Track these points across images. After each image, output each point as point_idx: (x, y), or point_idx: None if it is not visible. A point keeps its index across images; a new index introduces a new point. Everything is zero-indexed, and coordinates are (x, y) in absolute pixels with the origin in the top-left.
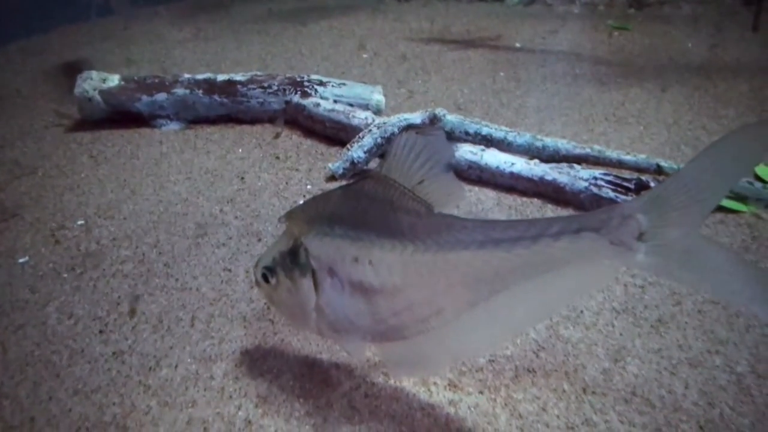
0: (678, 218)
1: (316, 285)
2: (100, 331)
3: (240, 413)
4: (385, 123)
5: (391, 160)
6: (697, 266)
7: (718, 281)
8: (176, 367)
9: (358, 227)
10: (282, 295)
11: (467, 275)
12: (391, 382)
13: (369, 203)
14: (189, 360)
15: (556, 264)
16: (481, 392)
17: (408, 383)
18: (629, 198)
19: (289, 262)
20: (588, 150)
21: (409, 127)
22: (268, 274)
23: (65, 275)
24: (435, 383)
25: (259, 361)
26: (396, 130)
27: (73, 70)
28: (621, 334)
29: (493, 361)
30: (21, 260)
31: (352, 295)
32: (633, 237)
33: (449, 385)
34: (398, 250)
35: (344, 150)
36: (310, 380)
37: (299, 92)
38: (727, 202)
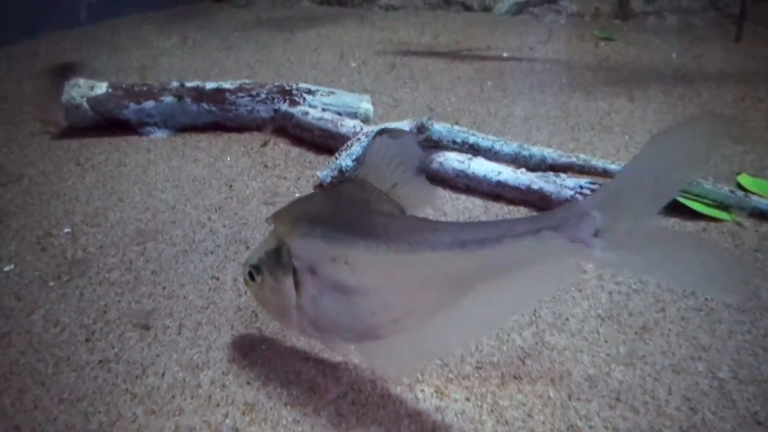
0: (632, 212)
1: (297, 284)
2: (87, 339)
3: (227, 421)
4: (373, 131)
5: (367, 165)
6: (652, 257)
7: (675, 270)
8: (163, 375)
9: (337, 228)
10: (267, 293)
11: (437, 275)
12: (378, 389)
13: (348, 206)
14: (176, 368)
15: (520, 263)
16: (467, 399)
17: (395, 390)
18: None
19: (273, 261)
20: (574, 159)
21: (383, 132)
22: (254, 272)
23: (51, 283)
24: (422, 390)
25: (247, 369)
26: None
27: (60, 76)
28: (606, 341)
29: (479, 368)
30: (6, 268)
31: (331, 294)
32: (590, 234)
33: (436, 391)
34: (372, 251)
35: (332, 158)
36: (297, 388)
37: (288, 100)
38: (710, 211)
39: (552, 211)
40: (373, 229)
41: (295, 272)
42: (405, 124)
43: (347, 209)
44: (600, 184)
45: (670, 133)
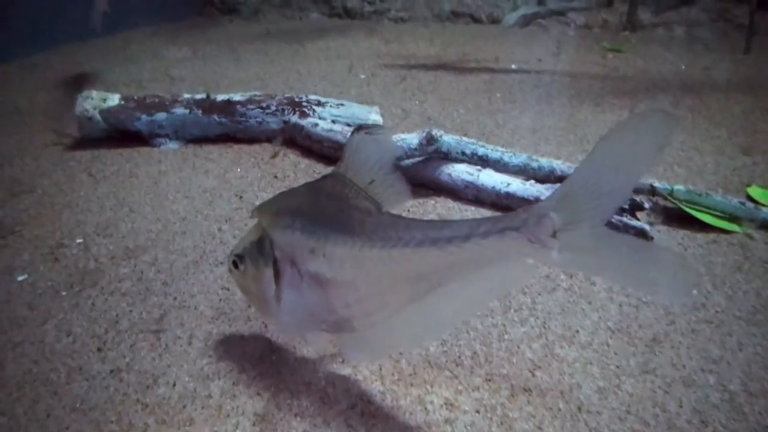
0: (586, 213)
1: (278, 274)
2: (98, 349)
3: (237, 431)
4: None
5: (347, 160)
6: (605, 259)
7: (624, 272)
8: (174, 385)
9: (316, 222)
10: (248, 282)
11: (408, 271)
12: (388, 400)
13: (328, 200)
14: (187, 378)
15: (484, 261)
16: (477, 411)
17: (405, 401)
18: (622, 218)
19: (256, 251)
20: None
21: (360, 128)
22: (238, 261)
23: (64, 293)
24: (431, 402)
25: (257, 380)
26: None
27: (72, 88)
28: (616, 353)
29: (489, 379)
30: (20, 278)
31: (308, 285)
32: (548, 234)
33: (445, 403)
34: (349, 245)
35: None
36: (307, 398)
37: (297, 112)
38: (720, 223)
39: (515, 211)
40: (351, 224)
41: (275, 263)
42: (414, 136)
43: (327, 204)
44: None
45: (618, 132)
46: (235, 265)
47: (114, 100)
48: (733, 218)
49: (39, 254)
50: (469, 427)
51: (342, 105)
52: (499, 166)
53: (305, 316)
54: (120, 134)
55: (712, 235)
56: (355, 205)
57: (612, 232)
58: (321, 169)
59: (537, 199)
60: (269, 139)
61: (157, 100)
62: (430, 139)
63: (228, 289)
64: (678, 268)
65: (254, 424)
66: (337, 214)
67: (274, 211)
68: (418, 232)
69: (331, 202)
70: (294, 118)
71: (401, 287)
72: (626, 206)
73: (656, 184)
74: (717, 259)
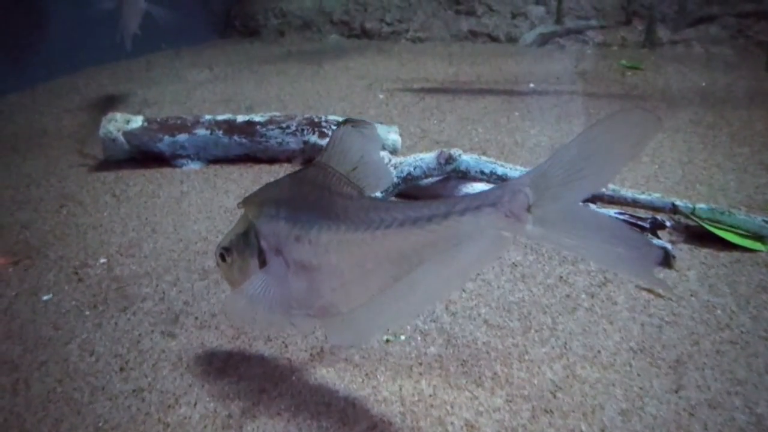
0: (560, 192)
1: (265, 264)
2: (121, 369)
3: None
4: (401, 163)
5: (331, 150)
6: (575, 234)
7: (593, 247)
8: (195, 405)
9: (301, 210)
10: (234, 274)
11: (391, 251)
12: (408, 421)
13: (311, 188)
14: (207, 398)
15: (462, 238)
16: None
17: (425, 422)
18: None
19: (242, 243)
20: (603, 188)
21: (347, 121)
22: (225, 253)
23: (87, 313)
24: (452, 423)
25: (277, 400)
26: (412, 169)
27: (97, 110)
28: (639, 375)
29: (510, 401)
30: (45, 297)
31: (295, 272)
32: (523, 209)
33: (466, 425)
34: (333, 230)
35: None
36: (327, 419)
37: (317, 132)
38: (743, 241)
39: (491, 188)
40: (334, 210)
41: (262, 252)
42: (433, 155)
43: (310, 192)
44: (630, 215)
45: (601, 125)
46: (223, 258)
47: (137, 122)
48: (757, 237)
49: (63, 274)
50: None
51: None
52: None
53: (291, 303)
54: (143, 155)
55: (735, 254)
56: (338, 191)
57: (583, 206)
58: None
59: None
60: (289, 159)
61: (179, 122)
62: (449, 159)
63: None
64: (642, 246)
65: None
66: (320, 201)
67: (258, 202)
68: (399, 213)
69: (314, 190)
70: (313, 138)
71: (385, 268)
72: (647, 225)
73: (678, 202)
74: (741, 278)
